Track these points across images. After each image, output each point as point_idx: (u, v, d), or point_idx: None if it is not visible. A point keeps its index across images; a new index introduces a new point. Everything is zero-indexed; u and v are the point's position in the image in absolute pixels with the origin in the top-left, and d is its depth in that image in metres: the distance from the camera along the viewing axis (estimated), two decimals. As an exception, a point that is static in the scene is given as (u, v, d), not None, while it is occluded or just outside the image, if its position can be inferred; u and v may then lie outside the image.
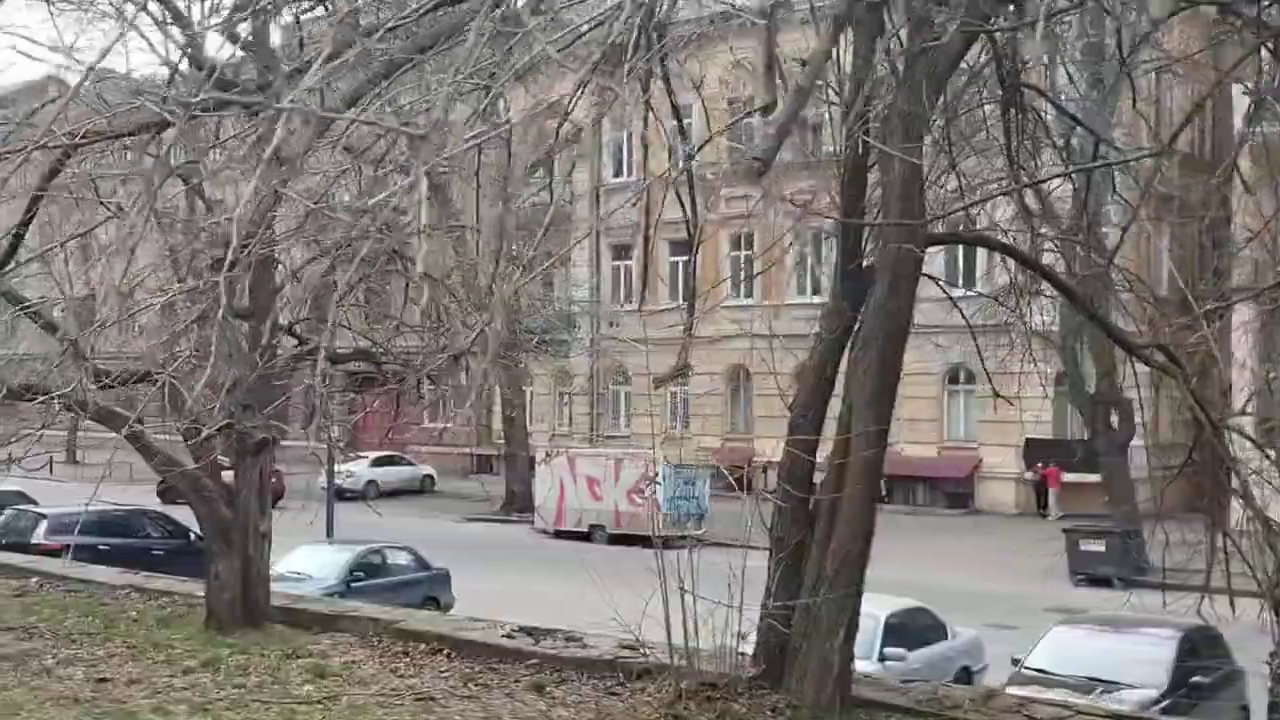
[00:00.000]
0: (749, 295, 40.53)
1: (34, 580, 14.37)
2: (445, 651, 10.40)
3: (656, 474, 32.31)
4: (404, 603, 21.69)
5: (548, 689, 9.34)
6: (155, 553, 23.82)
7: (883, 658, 14.79)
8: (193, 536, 25.75)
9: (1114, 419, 27.98)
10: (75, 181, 12.02)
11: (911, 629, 15.92)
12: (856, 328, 9.34)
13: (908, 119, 8.56)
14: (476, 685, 9.46)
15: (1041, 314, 31.04)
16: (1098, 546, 26.70)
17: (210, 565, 11.73)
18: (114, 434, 10.69)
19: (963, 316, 12.44)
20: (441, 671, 9.94)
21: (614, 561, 28.20)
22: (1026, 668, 13.81)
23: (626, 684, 9.37)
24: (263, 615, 11.63)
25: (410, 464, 41.06)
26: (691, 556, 9.25)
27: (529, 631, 10.57)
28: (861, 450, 8.87)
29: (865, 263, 9.51)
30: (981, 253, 33.86)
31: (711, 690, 8.47)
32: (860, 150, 9.41)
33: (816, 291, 39.16)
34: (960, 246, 33.63)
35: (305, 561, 21.68)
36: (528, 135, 15.57)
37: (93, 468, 25.71)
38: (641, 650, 9.47)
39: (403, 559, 22.74)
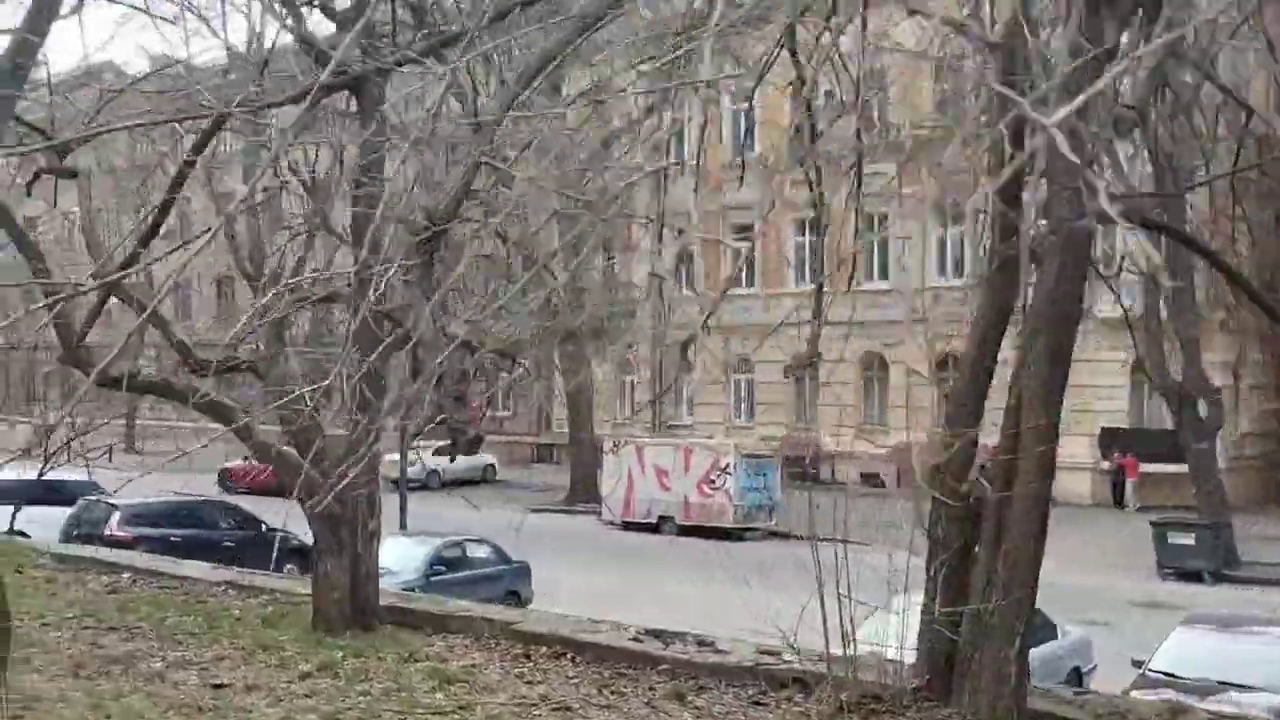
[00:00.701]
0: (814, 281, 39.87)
1: (126, 576, 14.00)
2: (569, 655, 9.89)
3: (728, 465, 31.93)
4: (485, 597, 21.28)
5: (688, 697, 8.81)
6: (226, 544, 23.54)
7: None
8: (264, 527, 25.51)
9: (1201, 408, 27.14)
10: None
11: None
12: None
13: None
14: (612, 693, 8.94)
15: (1115, 300, 30.58)
16: (1187, 539, 25.92)
17: (318, 563, 11.27)
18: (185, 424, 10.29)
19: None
20: (570, 677, 9.43)
21: (687, 554, 28.00)
22: (1151, 670, 13.17)
23: (771, 693, 8.82)
24: (372, 615, 11.17)
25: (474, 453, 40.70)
26: (843, 554, 8.68)
27: (656, 634, 10.04)
28: (1032, 445, 8.25)
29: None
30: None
31: (875, 703, 7.92)
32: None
33: (884, 275, 38.57)
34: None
35: (384, 555, 21.27)
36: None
37: (152, 456, 25.43)
38: (786, 655, 8.93)
39: (482, 552, 22.34)
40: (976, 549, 8.34)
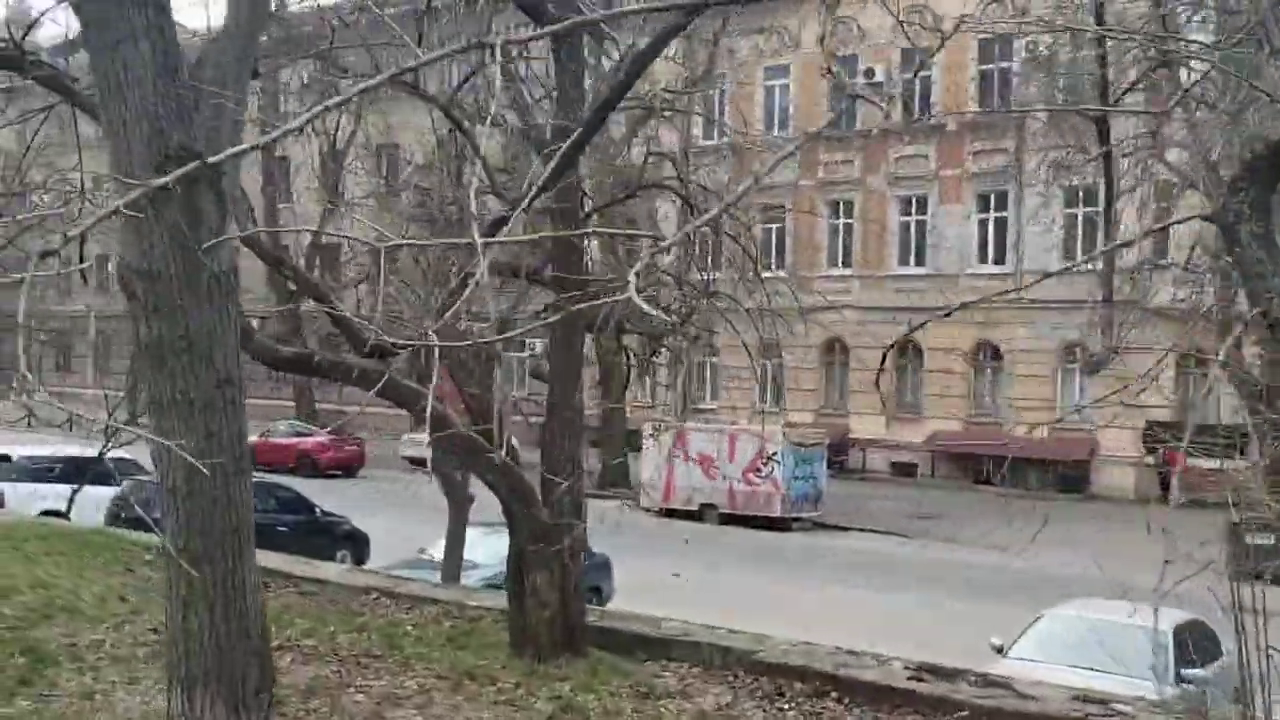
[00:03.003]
0: (847, 265, 38.95)
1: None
2: (833, 693, 8.78)
3: (776, 452, 30.89)
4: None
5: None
6: (280, 529, 22.19)
7: (1180, 679, 13.36)
8: (319, 511, 24.19)
9: None
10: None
11: (1197, 644, 14.42)
12: None
13: None
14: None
15: (1168, 289, 29.88)
16: (1267, 540, 25.12)
17: (524, 575, 10.06)
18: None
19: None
20: (853, 726, 8.32)
21: (759, 545, 26.83)
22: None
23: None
24: (581, 637, 9.99)
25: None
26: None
27: (933, 670, 8.95)
28: None
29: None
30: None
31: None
32: None
33: (920, 262, 37.61)
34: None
35: (468, 547, 20.19)
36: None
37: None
38: (1119, 706, 7.89)
39: (563, 545, 21.22)
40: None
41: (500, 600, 11.69)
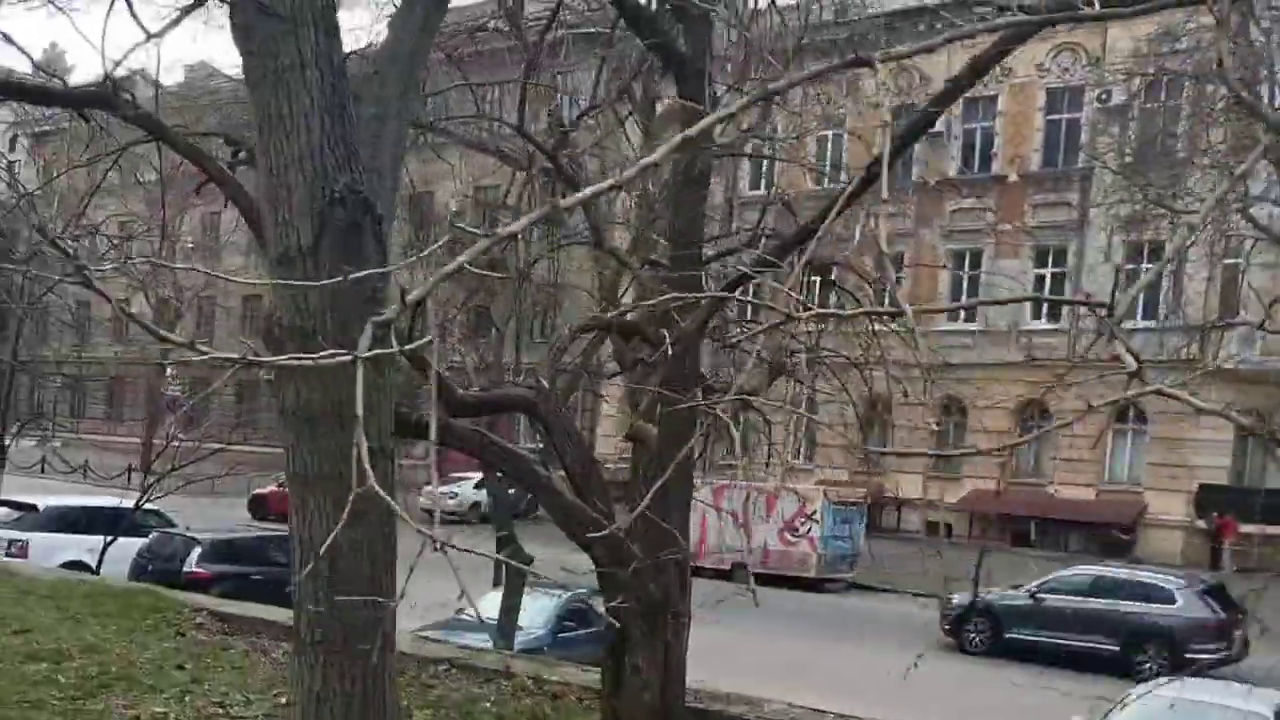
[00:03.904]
0: (893, 317, 38.18)
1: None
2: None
3: (816, 511, 30.11)
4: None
5: None
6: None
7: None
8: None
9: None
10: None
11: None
12: None
13: None
14: None
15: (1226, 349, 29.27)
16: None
17: (624, 653, 9.32)
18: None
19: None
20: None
21: (800, 608, 25.95)
22: None
23: None
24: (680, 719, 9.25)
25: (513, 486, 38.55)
26: None
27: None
28: None
29: None
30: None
31: None
32: None
33: (970, 319, 36.84)
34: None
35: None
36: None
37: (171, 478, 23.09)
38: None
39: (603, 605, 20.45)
40: None
41: (582, 676, 10.97)
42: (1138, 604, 21.71)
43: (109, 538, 19.81)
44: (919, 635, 24.02)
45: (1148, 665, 20.23)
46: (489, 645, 15.12)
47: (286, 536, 20.28)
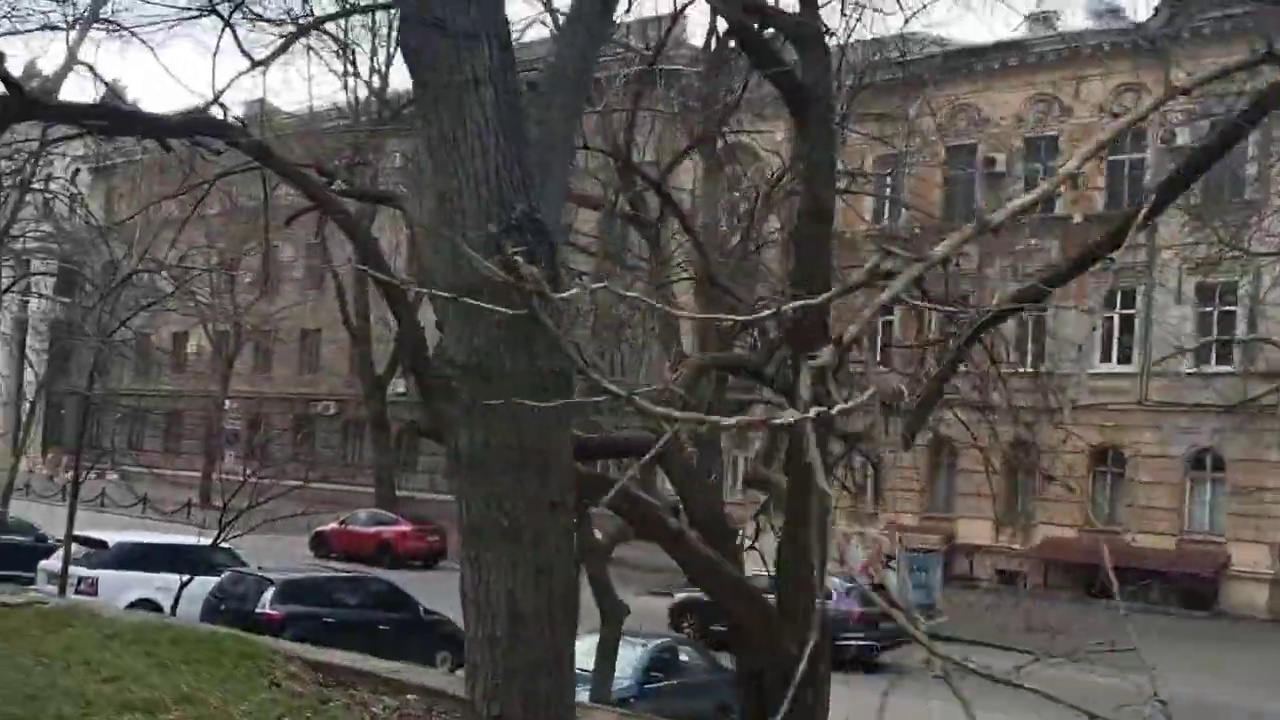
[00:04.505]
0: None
1: (413, 699, 11.36)
2: None
3: (891, 558, 29.31)
4: (697, 709, 18.70)
5: None
6: (382, 627, 20.99)
7: None
8: (422, 610, 22.90)
9: None
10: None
11: None
12: None
13: None
14: None
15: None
16: None
17: (764, 710, 8.76)
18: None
19: None
20: None
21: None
22: None
23: None
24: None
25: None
26: None
27: None
28: None
29: None
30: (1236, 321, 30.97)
31: None
32: None
33: (1042, 358, 36.06)
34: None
35: (592, 656, 18.85)
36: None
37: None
38: None
39: (691, 656, 19.87)
40: None
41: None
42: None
43: (185, 577, 19.43)
44: (1005, 691, 23.18)
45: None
46: (583, 697, 14.58)
47: (357, 577, 19.86)
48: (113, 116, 9.11)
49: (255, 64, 9.98)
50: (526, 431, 5.03)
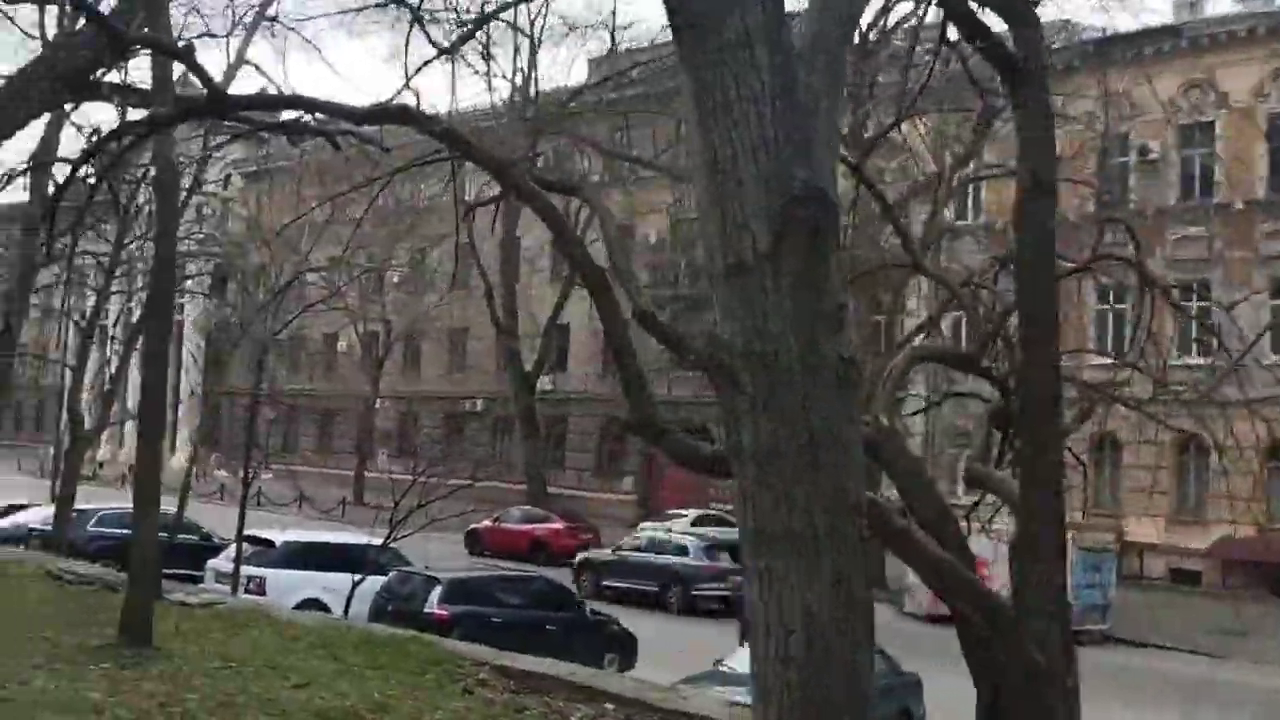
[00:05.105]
0: (1117, 354, 36.15)
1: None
2: None
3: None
4: (879, 714, 17.97)
5: None
6: (549, 627, 20.67)
7: None
8: (588, 610, 22.58)
9: None
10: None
11: None
12: None
13: None
14: None
15: None
16: None
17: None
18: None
19: None
20: None
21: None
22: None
23: None
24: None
25: (732, 524, 37.52)
26: None
27: None
28: None
29: None
30: None
31: None
32: None
33: (1187, 349, 34.48)
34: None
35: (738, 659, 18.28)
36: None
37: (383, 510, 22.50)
38: None
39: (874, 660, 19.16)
40: None
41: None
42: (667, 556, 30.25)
43: (357, 577, 19.37)
44: (1193, 694, 22.04)
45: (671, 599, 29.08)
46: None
47: (522, 576, 19.48)
48: (305, 106, 8.78)
49: (442, 51, 9.70)
50: (818, 425, 4.48)
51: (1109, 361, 27.50)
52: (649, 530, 33.58)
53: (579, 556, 32.22)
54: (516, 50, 39.00)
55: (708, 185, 4.67)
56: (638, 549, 31.48)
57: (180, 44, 10.93)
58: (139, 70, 13.44)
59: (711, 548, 30.35)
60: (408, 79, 8.62)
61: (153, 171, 16.53)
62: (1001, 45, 8.95)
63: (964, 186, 16.57)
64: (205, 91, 8.73)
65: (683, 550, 30.45)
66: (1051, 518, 8.61)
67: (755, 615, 4.55)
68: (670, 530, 33.21)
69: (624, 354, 8.57)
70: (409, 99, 10.50)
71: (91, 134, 14.79)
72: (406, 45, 9.15)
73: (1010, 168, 16.32)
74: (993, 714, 8.30)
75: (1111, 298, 36.66)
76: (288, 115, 8.14)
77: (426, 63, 9.85)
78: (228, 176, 49.22)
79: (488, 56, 38.45)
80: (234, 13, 17.03)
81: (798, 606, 4.41)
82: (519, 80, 39.54)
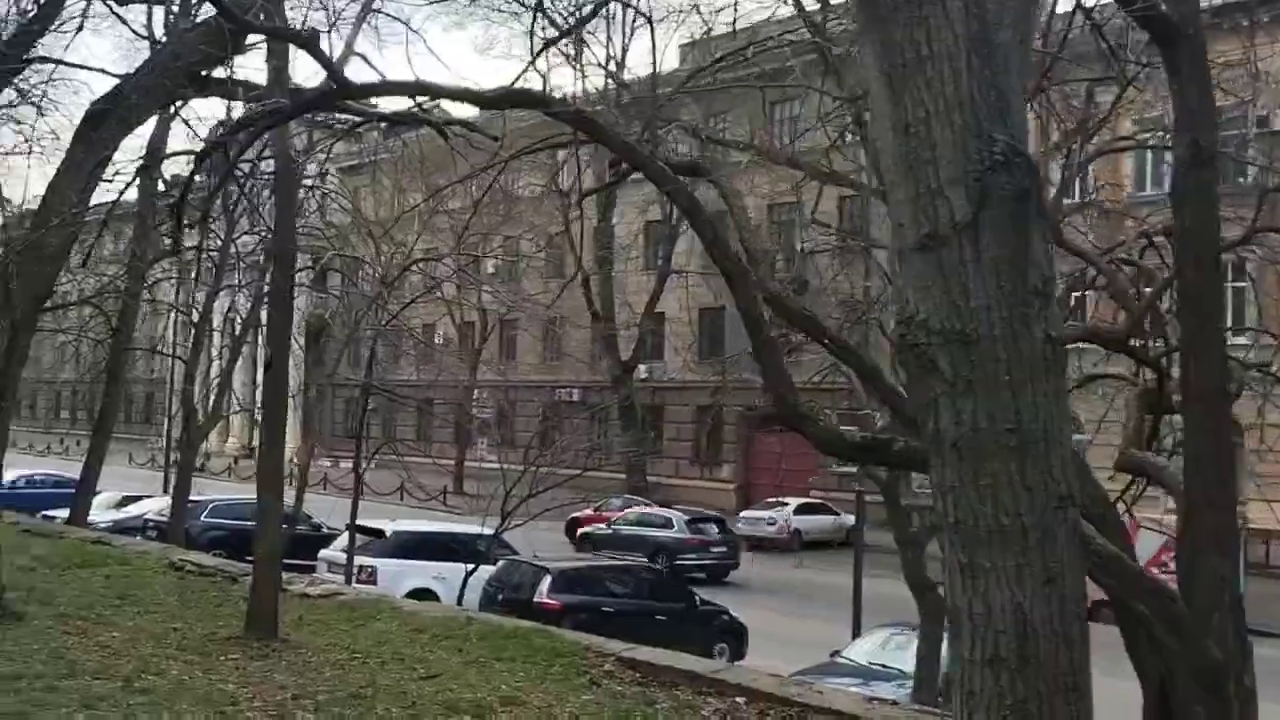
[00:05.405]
0: (1239, 333, 34.97)
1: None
2: None
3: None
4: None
5: None
6: (659, 617, 20.50)
7: None
8: (698, 600, 22.36)
9: None
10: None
11: None
12: None
13: None
14: None
15: None
16: None
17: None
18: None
19: None
20: None
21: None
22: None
23: None
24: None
25: (834, 513, 37.03)
26: None
27: None
28: None
29: None
30: None
31: None
32: None
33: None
34: None
35: (869, 651, 17.91)
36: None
37: (480, 499, 22.31)
38: None
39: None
40: None
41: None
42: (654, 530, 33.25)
43: (470, 566, 19.34)
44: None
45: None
46: (895, 696, 13.64)
47: (631, 565, 19.18)
48: (432, 92, 8.62)
49: (563, 34, 9.45)
50: (1024, 410, 4.14)
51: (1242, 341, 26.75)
52: (636, 510, 36.26)
53: (580, 531, 34.70)
54: (609, 37, 38.83)
55: (897, 152, 4.34)
56: (630, 523, 34.44)
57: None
58: (242, 69, 13.34)
59: (694, 521, 33.47)
60: (532, 59, 8.44)
61: (261, 166, 16.59)
62: (1155, 8, 8.48)
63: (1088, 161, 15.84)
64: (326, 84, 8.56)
65: (668, 524, 33.41)
66: (1223, 507, 8.18)
67: (957, 614, 4.23)
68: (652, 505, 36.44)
69: (765, 342, 8.29)
70: (533, 85, 10.32)
71: (216, 127, 14.81)
72: (531, 30, 8.93)
73: (1139, 141, 15.72)
74: (1163, 715, 7.92)
75: (1230, 274, 35.53)
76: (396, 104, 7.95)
77: (549, 43, 9.63)
78: (324, 171, 49.60)
79: (580, 43, 38.30)
80: (334, 6, 17.01)
81: (1007, 606, 4.08)
82: (612, 67, 39.31)
